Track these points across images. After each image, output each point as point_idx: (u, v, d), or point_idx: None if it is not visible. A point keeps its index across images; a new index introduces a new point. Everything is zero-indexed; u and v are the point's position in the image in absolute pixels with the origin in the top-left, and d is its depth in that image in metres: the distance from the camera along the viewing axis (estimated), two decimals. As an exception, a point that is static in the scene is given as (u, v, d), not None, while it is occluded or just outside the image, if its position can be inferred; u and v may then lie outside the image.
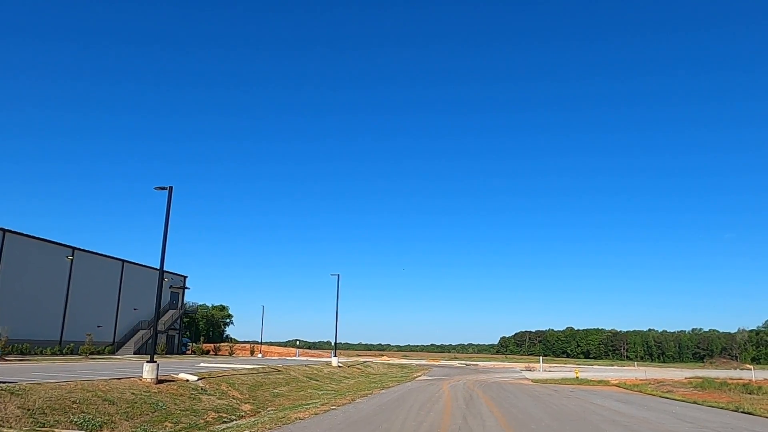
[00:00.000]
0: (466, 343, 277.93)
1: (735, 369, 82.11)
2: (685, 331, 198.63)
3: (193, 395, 23.07)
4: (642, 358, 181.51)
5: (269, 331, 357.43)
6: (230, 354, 69.70)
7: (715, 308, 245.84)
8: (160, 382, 23.29)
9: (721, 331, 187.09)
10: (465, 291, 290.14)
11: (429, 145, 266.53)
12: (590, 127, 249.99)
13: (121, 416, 17.66)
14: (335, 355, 52.09)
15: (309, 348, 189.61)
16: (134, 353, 54.66)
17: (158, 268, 25.42)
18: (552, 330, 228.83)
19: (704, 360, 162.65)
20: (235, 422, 19.80)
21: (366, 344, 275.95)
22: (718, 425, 15.78)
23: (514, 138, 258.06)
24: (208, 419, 20.29)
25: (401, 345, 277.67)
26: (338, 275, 52.08)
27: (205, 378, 27.13)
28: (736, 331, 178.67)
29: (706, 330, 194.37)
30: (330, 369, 46.79)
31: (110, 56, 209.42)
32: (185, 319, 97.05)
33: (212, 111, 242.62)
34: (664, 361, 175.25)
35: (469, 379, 43.64)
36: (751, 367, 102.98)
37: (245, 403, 25.19)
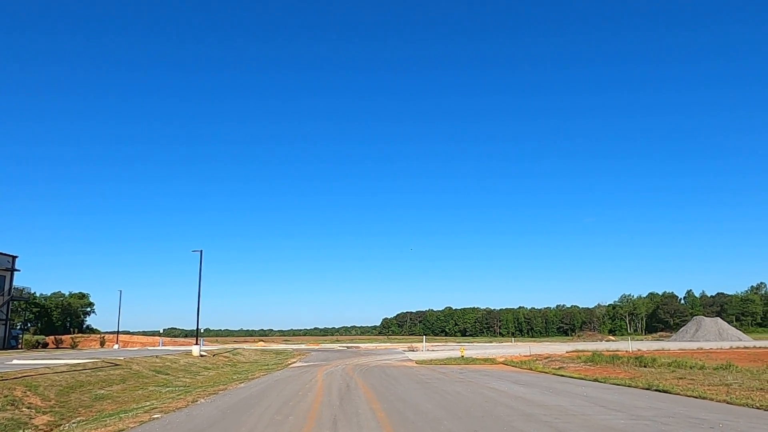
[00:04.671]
0: (349, 326, 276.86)
1: (600, 341, 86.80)
2: (550, 308, 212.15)
3: (-47, 409, 16.20)
4: (513, 333, 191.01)
5: (142, 321, 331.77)
6: (73, 346, 59.48)
7: (576, 286, 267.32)
8: None
9: (581, 306, 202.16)
10: (347, 274, 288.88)
11: (307, 104, 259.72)
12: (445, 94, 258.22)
13: None
14: (197, 343, 45.35)
15: (186, 336, 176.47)
16: (-65, 350, 43.76)
17: None
18: (431, 310, 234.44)
19: (568, 333, 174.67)
20: (3, 447, 13.61)
21: (247, 330, 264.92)
22: (652, 412, 12.59)
23: (381, 100, 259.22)
24: (-39, 445, 13.79)
25: (284, 330, 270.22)
26: (201, 251, 45.18)
27: (-8, 381, 20.04)
28: (594, 306, 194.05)
29: (569, 306, 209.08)
30: (189, 359, 40.19)
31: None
32: (35, 309, 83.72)
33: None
34: (533, 336, 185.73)
35: (349, 363, 39.41)
36: (613, 338, 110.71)
37: (44, 414, 18.57)
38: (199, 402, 17.59)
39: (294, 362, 43.71)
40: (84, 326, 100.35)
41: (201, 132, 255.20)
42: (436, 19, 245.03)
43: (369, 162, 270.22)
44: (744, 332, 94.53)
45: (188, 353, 43.89)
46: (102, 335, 75.59)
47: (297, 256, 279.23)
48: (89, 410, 20.01)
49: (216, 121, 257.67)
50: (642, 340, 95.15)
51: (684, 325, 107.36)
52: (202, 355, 43.68)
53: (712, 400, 14.65)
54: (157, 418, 14.20)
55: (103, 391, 23.66)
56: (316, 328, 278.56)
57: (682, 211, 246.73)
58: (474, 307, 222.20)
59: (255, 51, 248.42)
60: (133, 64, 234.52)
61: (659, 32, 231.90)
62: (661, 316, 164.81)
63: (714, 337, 79.33)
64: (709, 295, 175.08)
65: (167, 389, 25.72)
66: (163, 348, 64.17)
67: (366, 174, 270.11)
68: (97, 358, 34.02)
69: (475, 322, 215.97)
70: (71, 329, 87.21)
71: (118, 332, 77.53)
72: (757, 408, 13.05)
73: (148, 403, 19.32)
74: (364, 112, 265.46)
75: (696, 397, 15.21)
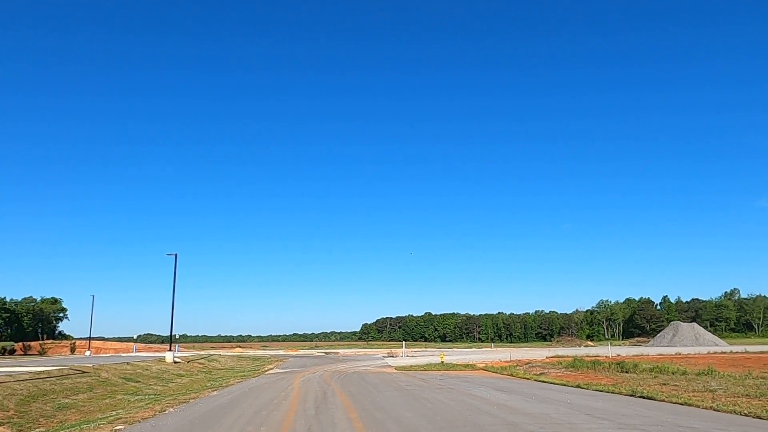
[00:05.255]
0: (328, 331, 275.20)
1: (579, 346, 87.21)
2: (529, 313, 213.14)
3: None
4: (492, 339, 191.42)
5: (116, 326, 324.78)
6: (42, 353, 57.53)
7: (554, 292, 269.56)
8: None
9: (559, 312, 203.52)
10: (327, 279, 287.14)
11: (284, 105, 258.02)
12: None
13: None
14: (171, 349, 44.06)
15: (162, 342, 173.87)
16: None
17: None
18: (411, 315, 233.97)
19: (547, 339, 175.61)
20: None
21: (225, 336, 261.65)
22: (639, 420, 12.16)
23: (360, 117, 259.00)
24: None
25: (263, 335, 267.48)
26: (175, 255, 43.98)
27: (-56, 391, 18.90)
28: (572, 311, 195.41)
29: (547, 312, 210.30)
30: (162, 366, 38.97)
31: None
32: (5, 315, 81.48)
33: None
34: (512, 341, 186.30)
35: (327, 369, 38.61)
36: (591, 343, 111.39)
37: (1, 425, 17.51)
38: (167, 411, 16.72)
39: (271, 369, 42.74)
40: (56, 332, 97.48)
41: (184, 132, 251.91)
42: (436, 19, 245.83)
43: (352, 165, 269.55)
44: (719, 337, 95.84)
45: (161, 360, 42.64)
46: (73, 341, 73.28)
47: (276, 261, 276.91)
48: (51, 421, 18.97)
49: (204, 121, 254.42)
50: (620, 345, 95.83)
51: (660, 330, 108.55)
52: (176, 362, 42.43)
53: (698, 407, 14.30)
54: (120, 429, 13.34)
55: (67, 400, 22.58)
56: (295, 334, 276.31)
57: (659, 217, 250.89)
58: (454, 313, 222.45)
59: (255, 51, 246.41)
60: (130, 63, 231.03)
61: (656, 32, 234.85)
62: (637, 321, 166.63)
63: (691, 342, 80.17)
64: (684, 301, 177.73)
65: (136, 398, 24.69)
66: (137, 354, 62.46)
67: (346, 179, 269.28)
68: (65, 365, 32.73)
69: (455, 328, 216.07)
70: (42, 335, 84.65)
71: (90, 338, 75.31)
72: (745, 415, 12.72)
73: (113, 413, 18.35)
74: (362, 112, 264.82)
75: (682, 404, 14.86)
